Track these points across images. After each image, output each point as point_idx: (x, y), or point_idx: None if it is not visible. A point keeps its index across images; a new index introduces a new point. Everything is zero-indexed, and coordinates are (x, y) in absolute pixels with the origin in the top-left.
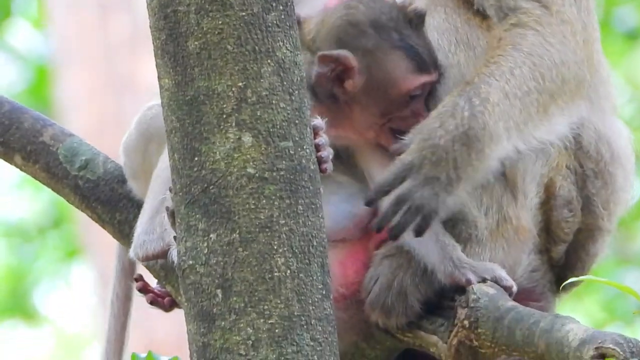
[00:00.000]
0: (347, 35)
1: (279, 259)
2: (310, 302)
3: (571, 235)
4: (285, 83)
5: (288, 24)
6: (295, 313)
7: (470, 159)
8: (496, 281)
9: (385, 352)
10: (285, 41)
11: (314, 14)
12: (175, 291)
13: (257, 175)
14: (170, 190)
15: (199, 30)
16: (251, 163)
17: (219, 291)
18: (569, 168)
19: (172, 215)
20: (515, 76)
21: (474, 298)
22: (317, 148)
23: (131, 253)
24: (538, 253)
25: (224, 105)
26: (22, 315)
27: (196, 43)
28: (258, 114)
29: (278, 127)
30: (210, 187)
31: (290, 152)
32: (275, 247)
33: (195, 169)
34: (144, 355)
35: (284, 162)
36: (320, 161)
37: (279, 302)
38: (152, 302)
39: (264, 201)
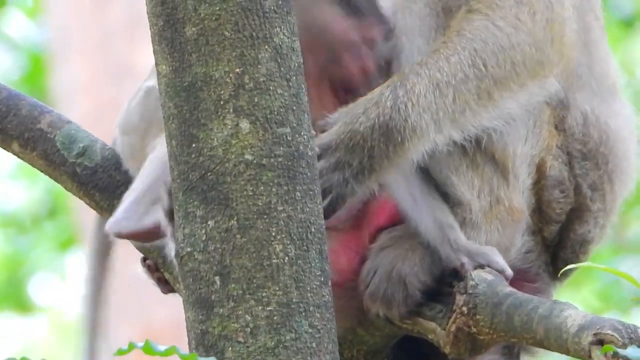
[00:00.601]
0: None
1: (277, 245)
2: (308, 289)
3: (563, 216)
4: (282, 69)
5: (285, 9)
6: (294, 300)
7: (388, 150)
8: (490, 266)
9: (384, 339)
10: (282, 27)
11: None
12: (173, 279)
13: (254, 161)
14: (168, 192)
15: (196, 17)
16: (249, 149)
17: (217, 278)
18: (560, 148)
19: (169, 213)
20: (451, 64)
21: (472, 284)
22: None
23: (107, 226)
24: (531, 234)
25: (222, 92)
26: (17, 305)
27: (193, 29)
28: (255, 100)
29: (275, 113)
30: (208, 174)
31: (288, 138)
32: (274, 234)
33: (193, 156)
34: (141, 344)
35: (281, 148)
36: None
37: (277, 289)
38: (159, 280)
39: (262, 188)
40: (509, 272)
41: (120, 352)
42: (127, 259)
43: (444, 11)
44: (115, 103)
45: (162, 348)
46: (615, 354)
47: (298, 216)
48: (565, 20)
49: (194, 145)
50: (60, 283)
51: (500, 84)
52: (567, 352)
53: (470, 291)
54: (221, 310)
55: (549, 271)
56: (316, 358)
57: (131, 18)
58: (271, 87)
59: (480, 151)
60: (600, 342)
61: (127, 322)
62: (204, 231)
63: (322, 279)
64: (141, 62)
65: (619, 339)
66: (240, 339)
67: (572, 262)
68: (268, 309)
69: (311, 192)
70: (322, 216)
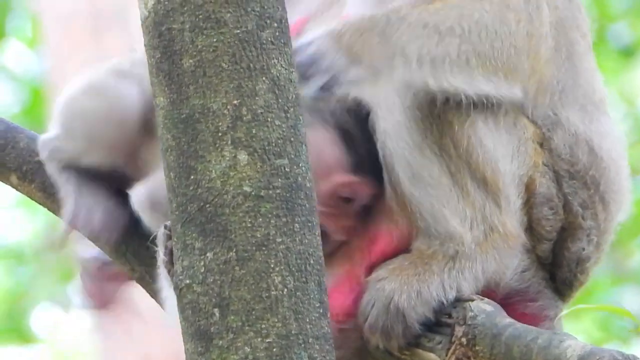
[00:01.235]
0: None
1: (275, 277)
2: (307, 320)
3: (554, 233)
4: (280, 100)
5: (282, 41)
6: (293, 332)
7: (378, 46)
8: None
9: None
10: (279, 58)
11: (309, 14)
12: (130, 270)
13: (253, 193)
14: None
15: (193, 48)
16: (247, 181)
17: (216, 310)
18: (546, 165)
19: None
20: (440, 15)
21: (471, 315)
22: None
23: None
24: (525, 253)
25: (219, 123)
26: (18, 336)
27: (191, 61)
28: (253, 131)
29: (273, 144)
30: (207, 206)
31: (286, 169)
32: (272, 266)
33: (191, 188)
34: None
35: (279, 180)
36: None
37: (276, 320)
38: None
39: (260, 219)
40: None
41: None
42: (126, 289)
43: None
44: None
45: None
46: None
47: (297, 248)
48: (542, 36)
49: (192, 177)
50: (62, 314)
51: (478, 56)
52: None
53: (469, 322)
54: (220, 342)
55: (550, 287)
56: None
57: (128, 48)
58: (269, 119)
59: (470, 173)
60: None
61: (126, 353)
62: (202, 263)
63: (321, 311)
64: None
65: None
66: None
67: (570, 282)
68: (267, 340)
69: (310, 224)
70: (320, 247)
